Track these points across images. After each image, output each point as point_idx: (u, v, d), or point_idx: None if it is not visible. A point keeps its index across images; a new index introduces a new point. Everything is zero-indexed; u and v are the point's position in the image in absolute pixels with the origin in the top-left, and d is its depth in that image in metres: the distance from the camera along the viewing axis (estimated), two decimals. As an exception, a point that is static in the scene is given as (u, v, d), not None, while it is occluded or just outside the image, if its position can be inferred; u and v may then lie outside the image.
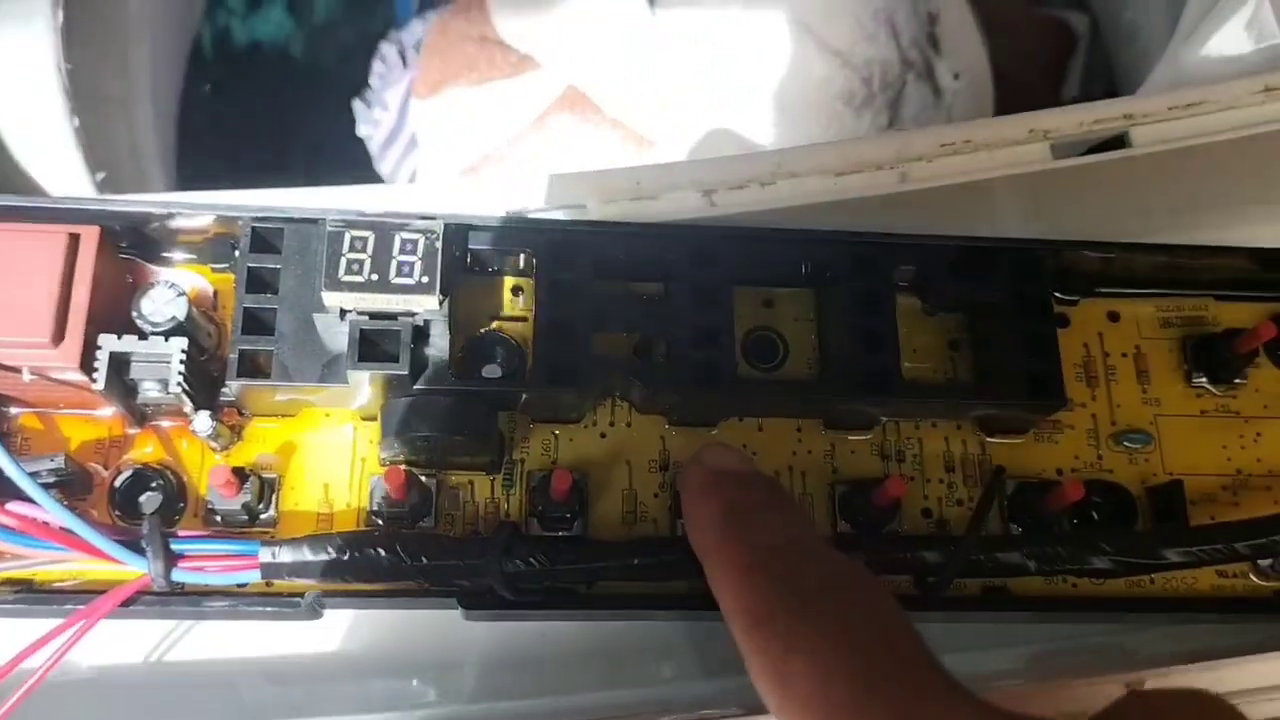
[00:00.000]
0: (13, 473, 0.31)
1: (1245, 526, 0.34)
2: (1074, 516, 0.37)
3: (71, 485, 0.34)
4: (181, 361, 0.33)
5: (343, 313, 0.32)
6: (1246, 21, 0.44)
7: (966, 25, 0.81)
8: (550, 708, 0.41)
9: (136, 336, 0.33)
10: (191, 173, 0.81)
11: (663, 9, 0.75)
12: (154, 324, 0.34)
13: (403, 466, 0.34)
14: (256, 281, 0.34)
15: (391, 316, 0.33)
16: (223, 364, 0.35)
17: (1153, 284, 0.39)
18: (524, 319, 0.37)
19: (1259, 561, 0.37)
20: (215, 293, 0.37)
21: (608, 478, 0.36)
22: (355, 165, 0.86)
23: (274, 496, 0.35)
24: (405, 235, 0.32)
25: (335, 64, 0.96)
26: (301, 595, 0.34)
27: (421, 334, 0.33)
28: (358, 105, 0.85)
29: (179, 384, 0.33)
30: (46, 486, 0.32)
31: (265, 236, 0.34)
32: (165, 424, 0.35)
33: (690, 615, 0.36)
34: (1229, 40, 0.45)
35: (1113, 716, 0.25)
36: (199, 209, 0.35)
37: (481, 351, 0.36)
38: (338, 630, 0.40)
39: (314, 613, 0.34)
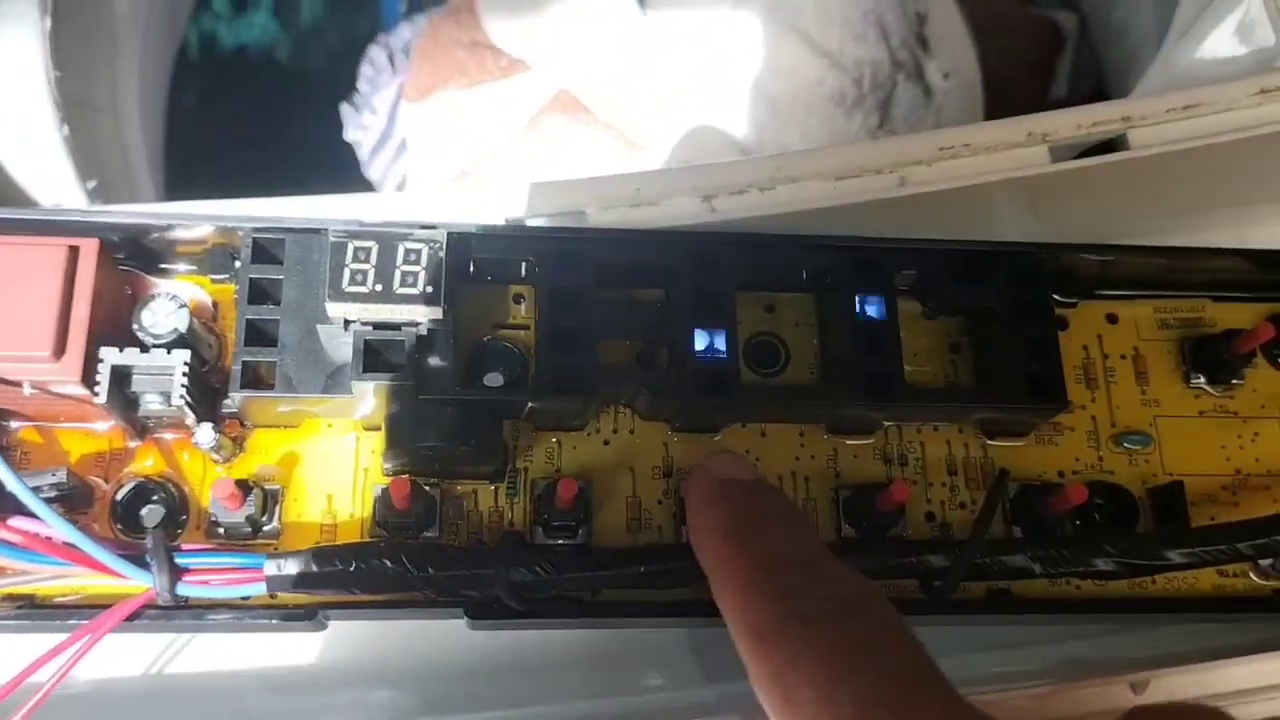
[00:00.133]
0: (16, 488, 0.30)
1: (1247, 527, 0.34)
2: (1076, 518, 0.37)
3: (72, 499, 0.34)
4: (184, 374, 0.32)
5: (346, 323, 0.32)
6: (1240, 23, 0.44)
7: (955, 25, 0.81)
8: (551, 715, 0.41)
9: (137, 349, 0.33)
10: (179, 178, 0.80)
11: (653, 10, 0.75)
12: (155, 336, 0.34)
13: (407, 476, 0.34)
14: (258, 292, 0.34)
15: (395, 326, 0.33)
16: (224, 375, 0.35)
17: (1151, 286, 0.40)
18: (526, 327, 0.37)
19: (1259, 561, 0.37)
20: (215, 304, 0.37)
21: (611, 485, 0.36)
22: (342, 169, 0.86)
23: (277, 508, 0.35)
24: (409, 245, 0.32)
25: (321, 68, 0.96)
26: (305, 607, 0.33)
27: (425, 344, 0.33)
28: (346, 109, 0.85)
29: (181, 396, 0.32)
30: (48, 501, 0.31)
31: (267, 247, 0.34)
32: (166, 437, 0.35)
33: (695, 622, 0.36)
34: (1223, 42, 0.45)
35: None
36: (199, 220, 0.34)
37: (484, 360, 0.36)
38: (334, 640, 0.40)
39: (319, 624, 0.34)
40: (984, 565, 0.34)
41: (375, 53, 0.84)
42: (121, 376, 0.33)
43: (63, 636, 0.31)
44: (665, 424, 0.37)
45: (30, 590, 0.33)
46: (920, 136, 0.41)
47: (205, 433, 0.33)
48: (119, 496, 0.34)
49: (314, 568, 0.32)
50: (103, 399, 0.32)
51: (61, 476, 0.33)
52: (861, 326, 0.36)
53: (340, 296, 0.32)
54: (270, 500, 0.35)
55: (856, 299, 0.36)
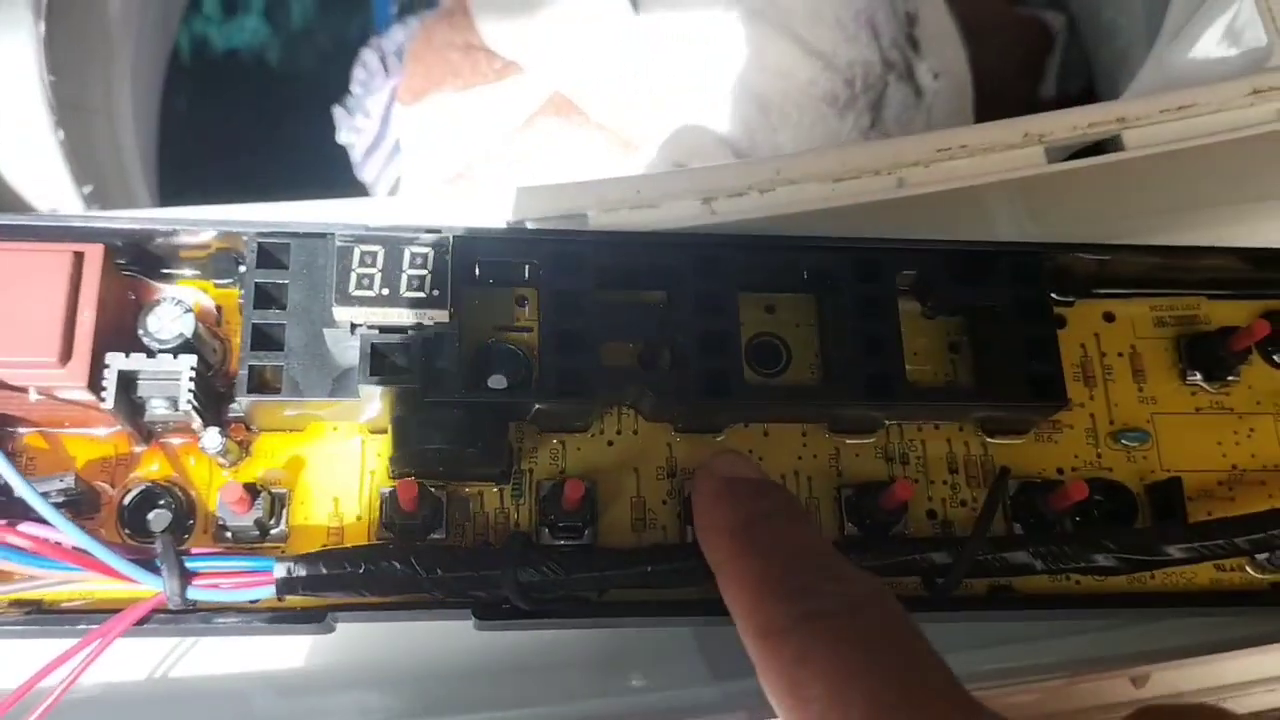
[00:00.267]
0: (26, 493, 0.31)
1: (1245, 522, 0.34)
2: (1076, 515, 0.37)
3: (79, 504, 0.34)
4: (191, 378, 0.33)
5: (353, 327, 0.32)
6: (1231, 24, 0.45)
7: (945, 25, 0.82)
8: (555, 715, 0.42)
9: (143, 354, 0.33)
10: (171, 182, 0.80)
11: (646, 12, 0.75)
12: (161, 341, 0.34)
13: (414, 479, 0.34)
14: (264, 297, 0.34)
15: (402, 330, 0.33)
16: (229, 380, 0.35)
17: (1147, 284, 0.40)
18: (529, 329, 0.37)
19: (1256, 555, 0.37)
20: (219, 309, 0.37)
21: (616, 486, 0.36)
22: (334, 172, 0.86)
23: (284, 511, 0.35)
24: (415, 249, 0.32)
25: (312, 70, 0.96)
26: (314, 609, 0.34)
27: (432, 346, 0.33)
28: (338, 112, 0.84)
29: (189, 401, 0.33)
30: (57, 506, 0.32)
31: (271, 252, 0.34)
32: (172, 441, 0.35)
33: (701, 621, 0.36)
34: (1215, 43, 0.46)
35: None
36: (204, 225, 0.35)
37: (488, 362, 0.36)
38: (337, 643, 0.40)
39: (327, 627, 0.34)
40: (986, 562, 0.34)
41: (368, 55, 0.84)
42: (128, 382, 0.33)
43: (69, 642, 0.31)
44: (669, 425, 0.37)
45: (38, 595, 0.33)
46: (918, 138, 0.41)
47: (212, 437, 0.34)
48: (126, 501, 0.35)
49: (324, 570, 0.32)
50: (109, 404, 0.32)
51: (70, 482, 0.33)
52: (862, 327, 0.36)
53: (347, 300, 0.32)
54: (277, 504, 0.35)
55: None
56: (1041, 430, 0.38)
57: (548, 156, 0.72)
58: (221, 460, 0.35)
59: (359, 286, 0.32)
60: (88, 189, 0.56)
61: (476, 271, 0.36)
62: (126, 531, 0.34)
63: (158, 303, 0.34)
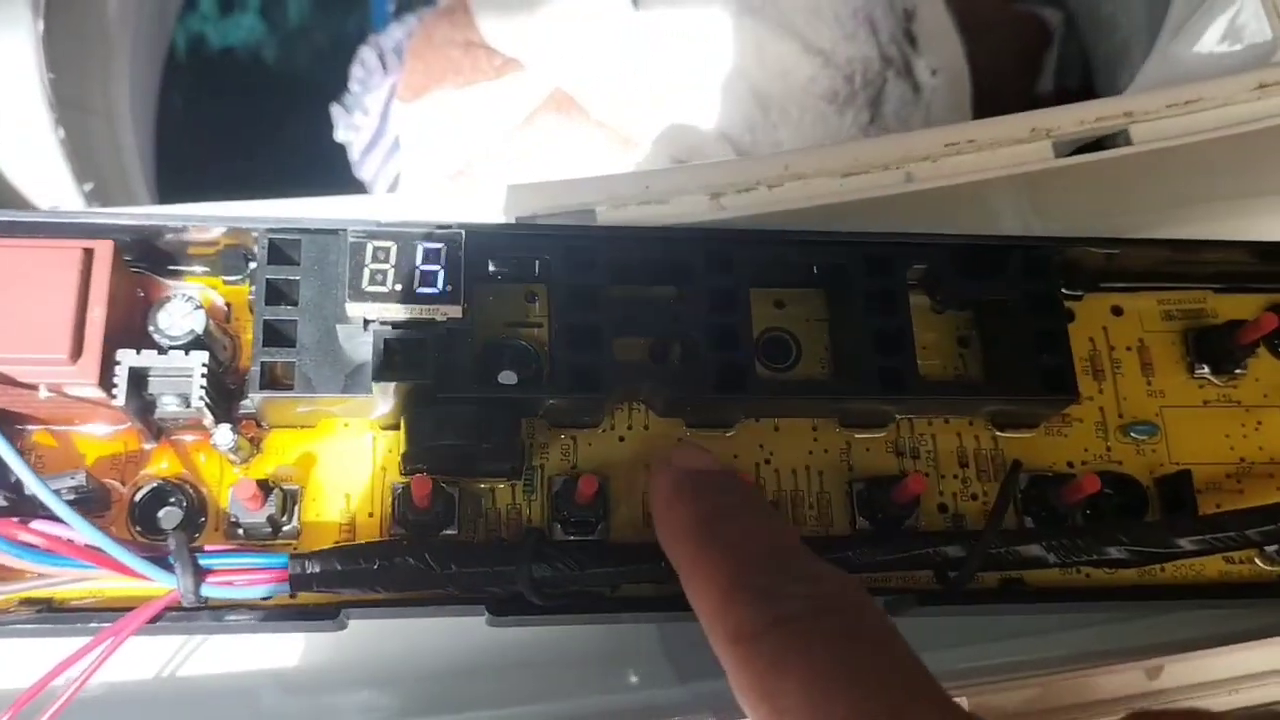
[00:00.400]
0: (39, 490, 0.30)
1: (1256, 514, 0.34)
2: (1086, 508, 0.37)
3: (90, 502, 0.34)
4: (203, 375, 0.32)
5: (366, 323, 0.32)
6: (1235, 19, 0.45)
7: (942, 22, 0.82)
8: (560, 712, 0.42)
9: (154, 351, 0.32)
10: (169, 179, 0.80)
11: (646, 9, 0.75)
12: (172, 338, 0.34)
13: (428, 475, 0.34)
14: (275, 293, 0.34)
15: (414, 326, 0.33)
16: (239, 376, 0.35)
17: (1154, 278, 0.40)
18: (540, 324, 0.37)
19: (1265, 547, 0.37)
20: (228, 305, 0.37)
21: (628, 481, 0.36)
22: (332, 169, 0.86)
23: (296, 508, 0.35)
24: (428, 245, 0.32)
25: (309, 68, 0.96)
26: (327, 606, 0.33)
27: (444, 342, 0.33)
28: (336, 110, 0.84)
29: (201, 398, 0.32)
30: (69, 504, 0.31)
31: (282, 248, 0.34)
32: (183, 439, 0.35)
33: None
34: (1219, 38, 0.46)
35: None
36: (214, 221, 0.34)
37: (499, 358, 0.36)
38: (345, 640, 0.40)
39: (340, 624, 0.34)
40: (999, 555, 0.34)
41: (366, 53, 0.84)
42: (139, 379, 0.32)
43: (80, 640, 0.31)
44: (680, 420, 0.37)
45: (48, 594, 0.33)
46: (925, 133, 0.41)
47: (224, 434, 0.33)
48: (137, 499, 0.34)
49: (338, 567, 0.32)
50: (121, 401, 0.32)
51: (81, 479, 0.32)
52: (873, 321, 0.36)
53: (360, 296, 0.32)
54: (290, 500, 0.35)
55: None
56: (1051, 424, 0.38)
57: (548, 154, 0.72)
58: (233, 457, 0.35)
59: (372, 282, 0.32)
60: (88, 186, 0.56)
61: (490, 267, 0.36)
62: (137, 529, 0.34)
63: (168, 299, 0.34)
